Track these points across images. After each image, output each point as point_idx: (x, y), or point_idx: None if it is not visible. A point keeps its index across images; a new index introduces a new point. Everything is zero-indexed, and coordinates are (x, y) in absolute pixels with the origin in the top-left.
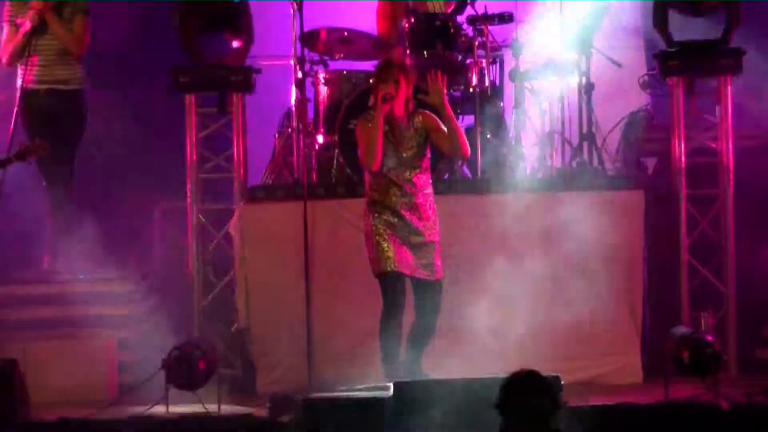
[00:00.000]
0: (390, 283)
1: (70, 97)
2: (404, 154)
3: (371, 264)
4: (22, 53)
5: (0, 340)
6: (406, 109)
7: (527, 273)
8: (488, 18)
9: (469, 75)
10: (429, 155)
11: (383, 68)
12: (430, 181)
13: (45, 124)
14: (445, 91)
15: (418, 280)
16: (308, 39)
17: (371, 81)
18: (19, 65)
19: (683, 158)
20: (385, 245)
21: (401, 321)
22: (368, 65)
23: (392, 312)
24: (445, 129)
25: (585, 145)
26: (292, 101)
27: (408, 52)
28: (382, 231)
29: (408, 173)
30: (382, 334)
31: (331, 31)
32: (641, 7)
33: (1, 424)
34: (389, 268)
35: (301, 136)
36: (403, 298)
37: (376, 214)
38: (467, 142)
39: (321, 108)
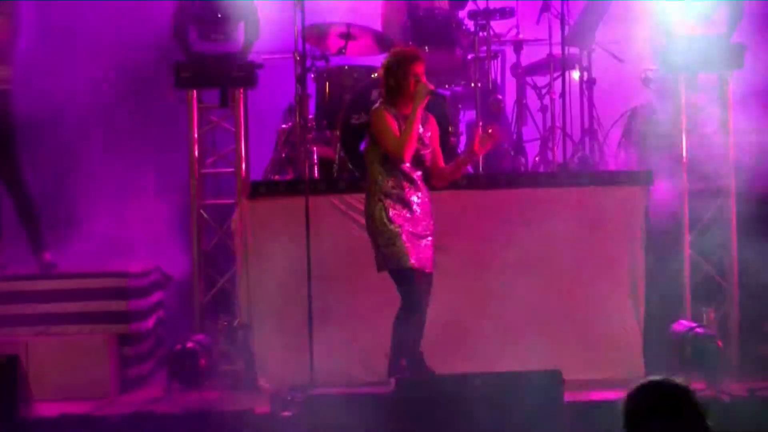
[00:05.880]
0: (411, 279)
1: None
2: (419, 163)
3: (385, 259)
4: None
5: (2, 335)
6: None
7: (528, 268)
8: (490, 13)
9: (471, 71)
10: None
11: (416, 60)
12: None
13: None
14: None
15: (423, 274)
16: (310, 34)
17: (374, 76)
18: None
19: (685, 153)
20: (402, 240)
21: (425, 318)
22: (370, 60)
23: (416, 308)
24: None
25: (586, 140)
26: (294, 96)
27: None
28: (397, 225)
29: (418, 167)
30: (402, 330)
31: (333, 26)
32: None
33: (2, 420)
34: (409, 265)
35: (303, 132)
36: (426, 294)
37: (390, 208)
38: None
39: (323, 103)
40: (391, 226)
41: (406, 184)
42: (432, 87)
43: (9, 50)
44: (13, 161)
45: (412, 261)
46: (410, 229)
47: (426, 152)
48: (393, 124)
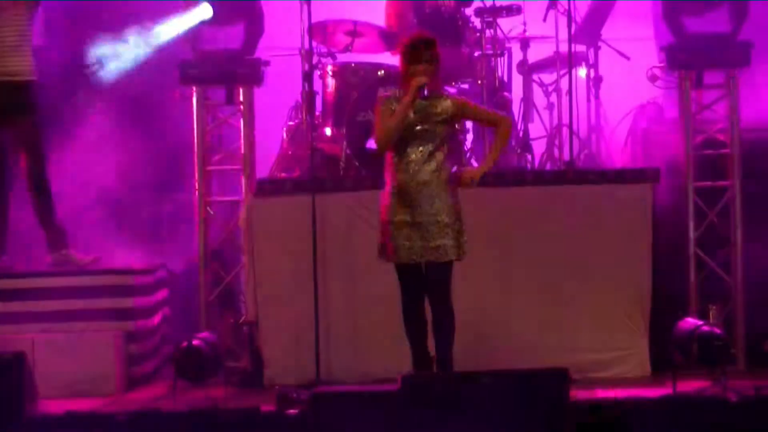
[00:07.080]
0: (405, 273)
1: (21, 88)
2: (423, 141)
3: (384, 250)
4: None
5: (8, 332)
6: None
7: (535, 266)
8: (496, 10)
9: (478, 68)
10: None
11: (414, 49)
12: (451, 165)
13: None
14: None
15: (427, 263)
16: (316, 31)
17: (380, 73)
18: None
19: (691, 150)
20: (399, 233)
21: (422, 308)
22: (377, 58)
23: (410, 301)
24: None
25: (593, 138)
26: (301, 94)
27: None
28: (391, 215)
29: (429, 151)
30: (404, 323)
31: (339, 23)
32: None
33: (8, 418)
34: (404, 260)
35: (310, 129)
36: (421, 284)
37: (385, 197)
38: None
39: (329, 101)
40: (384, 216)
41: (402, 167)
42: (424, 82)
43: (28, 40)
44: (40, 159)
45: (406, 256)
46: (412, 219)
47: (431, 132)
48: (386, 119)
